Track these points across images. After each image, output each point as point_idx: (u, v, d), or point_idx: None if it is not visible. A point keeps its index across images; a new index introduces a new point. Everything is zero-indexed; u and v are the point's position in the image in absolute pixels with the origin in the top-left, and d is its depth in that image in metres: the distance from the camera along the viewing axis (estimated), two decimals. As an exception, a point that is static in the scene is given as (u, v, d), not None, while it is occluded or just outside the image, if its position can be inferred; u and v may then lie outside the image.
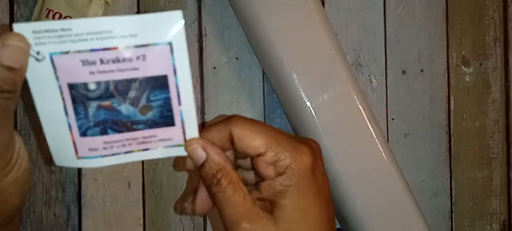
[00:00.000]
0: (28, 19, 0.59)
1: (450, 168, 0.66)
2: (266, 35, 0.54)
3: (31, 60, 0.26)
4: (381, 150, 0.55)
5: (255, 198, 0.30)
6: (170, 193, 0.61)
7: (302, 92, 0.54)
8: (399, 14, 0.65)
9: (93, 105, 0.28)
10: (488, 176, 0.67)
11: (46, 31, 0.26)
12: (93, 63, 0.27)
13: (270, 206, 0.30)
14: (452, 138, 0.66)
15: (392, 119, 0.65)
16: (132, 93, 0.28)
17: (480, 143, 0.67)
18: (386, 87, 0.64)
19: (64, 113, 0.28)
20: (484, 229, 0.67)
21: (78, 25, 0.26)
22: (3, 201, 0.28)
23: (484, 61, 0.67)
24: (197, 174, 0.32)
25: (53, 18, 0.55)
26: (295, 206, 0.29)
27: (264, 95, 0.63)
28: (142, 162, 0.60)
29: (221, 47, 0.62)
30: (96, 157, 0.30)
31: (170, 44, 0.27)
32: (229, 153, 0.33)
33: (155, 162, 0.61)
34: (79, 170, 0.60)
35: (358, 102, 0.55)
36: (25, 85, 0.27)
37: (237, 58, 0.62)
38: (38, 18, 0.56)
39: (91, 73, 0.27)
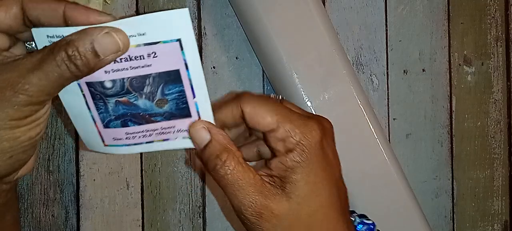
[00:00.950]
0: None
1: (452, 168, 0.66)
2: (266, 34, 0.54)
3: None
4: (382, 150, 0.55)
5: (264, 175, 0.31)
6: (169, 193, 0.61)
7: (302, 92, 0.54)
8: (401, 13, 0.64)
9: (111, 101, 0.30)
10: (489, 176, 0.67)
11: (59, 36, 0.27)
12: None
13: (280, 182, 0.30)
14: (453, 138, 0.66)
15: (394, 119, 0.64)
16: (147, 89, 0.29)
17: (482, 143, 0.66)
18: (388, 87, 0.64)
19: (87, 108, 0.30)
20: (486, 230, 0.66)
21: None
22: None
23: (486, 61, 0.66)
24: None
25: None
26: (306, 180, 0.30)
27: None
28: (141, 162, 0.60)
29: (220, 47, 0.61)
30: (121, 145, 0.32)
31: (179, 40, 0.28)
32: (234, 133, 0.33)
33: (154, 163, 0.60)
34: (78, 171, 0.59)
35: (359, 102, 0.54)
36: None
37: (237, 58, 0.62)
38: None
39: (106, 72, 0.28)
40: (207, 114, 0.31)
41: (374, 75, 0.64)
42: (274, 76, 0.57)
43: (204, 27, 0.61)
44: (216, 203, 0.61)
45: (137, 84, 0.29)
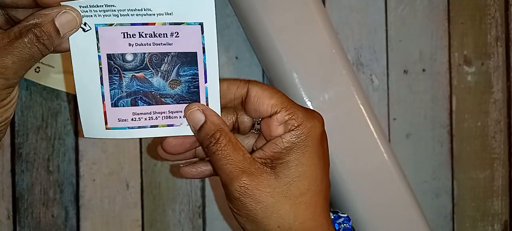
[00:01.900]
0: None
1: (452, 168, 0.66)
2: (266, 34, 0.54)
3: (78, 32, 0.29)
4: (382, 150, 0.55)
5: (257, 156, 0.32)
6: (168, 194, 0.61)
7: (302, 92, 0.54)
8: (401, 13, 0.64)
9: (128, 75, 0.31)
10: (490, 177, 0.67)
11: (91, 6, 0.29)
12: (133, 35, 0.30)
13: (271, 163, 0.31)
14: (454, 138, 0.66)
15: (394, 119, 0.64)
16: (164, 67, 0.31)
17: (482, 143, 0.66)
18: (388, 87, 0.64)
19: (100, 83, 0.31)
20: (486, 230, 0.66)
21: (121, 2, 0.29)
22: None
23: (486, 60, 0.66)
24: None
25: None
26: (299, 161, 0.31)
27: (264, 95, 0.62)
28: (141, 162, 0.60)
29: (220, 47, 0.61)
30: (124, 128, 0.33)
31: (201, 24, 0.30)
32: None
33: (154, 163, 0.60)
34: (77, 171, 0.59)
35: (359, 102, 0.54)
36: (22, 83, 0.27)
37: (237, 58, 0.62)
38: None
39: (130, 45, 0.30)
40: (215, 102, 0.32)
41: (374, 75, 0.64)
42: (274, 76, 0.57)
43: (204, 27, 0.61)
44: (216, 203, 0.61)
45: (156, 61, 0.31)
